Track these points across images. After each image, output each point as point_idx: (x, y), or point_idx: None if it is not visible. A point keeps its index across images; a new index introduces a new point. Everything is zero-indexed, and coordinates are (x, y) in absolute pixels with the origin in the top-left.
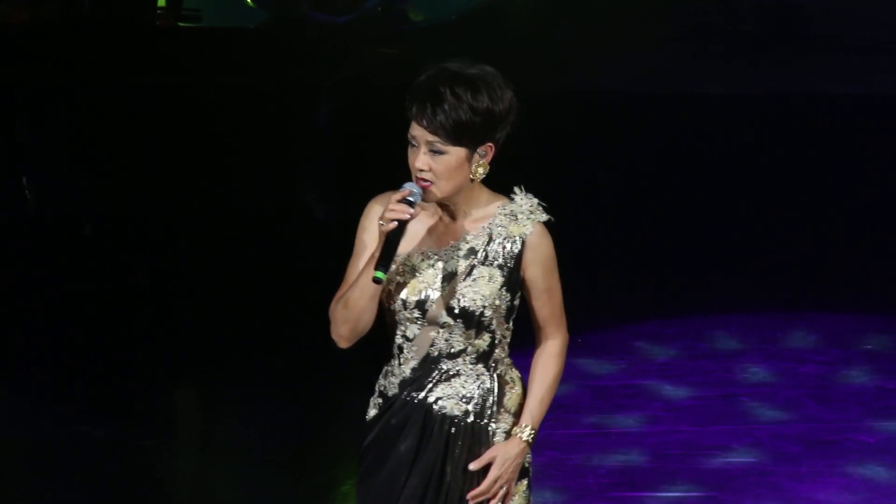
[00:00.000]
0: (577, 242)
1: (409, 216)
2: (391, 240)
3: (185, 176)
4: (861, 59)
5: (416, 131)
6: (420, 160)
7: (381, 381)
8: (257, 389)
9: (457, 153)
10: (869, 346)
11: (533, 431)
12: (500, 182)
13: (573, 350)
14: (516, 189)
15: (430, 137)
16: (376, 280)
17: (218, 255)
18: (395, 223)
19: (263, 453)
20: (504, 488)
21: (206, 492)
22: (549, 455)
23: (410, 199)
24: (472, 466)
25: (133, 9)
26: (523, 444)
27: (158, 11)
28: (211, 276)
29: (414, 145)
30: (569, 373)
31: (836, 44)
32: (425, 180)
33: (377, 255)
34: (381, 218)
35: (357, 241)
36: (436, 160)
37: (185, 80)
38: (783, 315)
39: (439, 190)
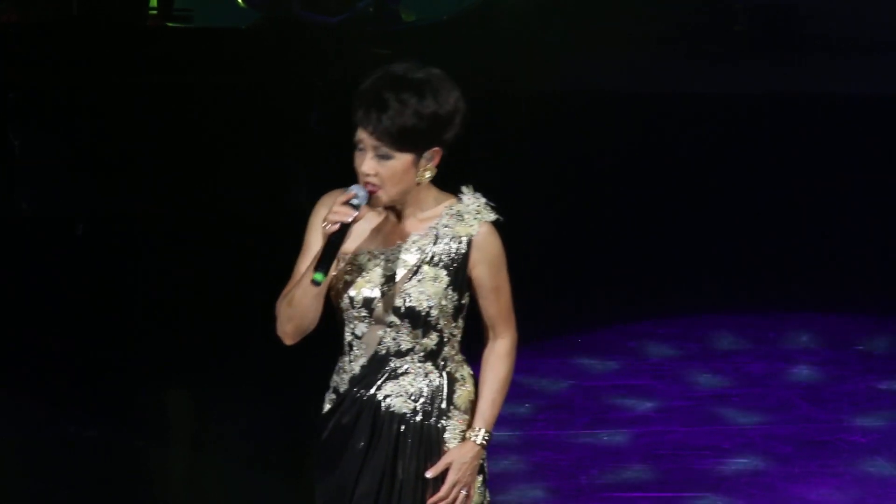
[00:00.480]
0: (570, 242)
1: (351, 219)
2: (333, 242)
3: (177, 175)
4: (856, 59)
5: (363, 136)
6: (367, 165)
7: (334, 377)
8: (250, 389)
9: (403, 158)
10: (861, 347)
11: (487, 434)
12: (493, 181)
13: (568, 350)
14: (464, 188)
15: (376, 143)
16: (315, 282)
17: (209, 255)
18: (338, 225)
19: (256, 453)
20: (464, 492)
21: (199, 492)
22: (541, 455)
23: (355, 201)
24: (429, 474)
25: (123, 9)
26: (478, 448)
27: (151, 12)
28: (203, 276)
29: (361, 149)
30: (561, 373)
31: (831, 44)
32: (373, 184)
33: (318, 256)
34: (325, 219)
35: (305, 238)
36: (382, 165)
37: (177, 81)
38: (775, 315)
39: (386, 194)
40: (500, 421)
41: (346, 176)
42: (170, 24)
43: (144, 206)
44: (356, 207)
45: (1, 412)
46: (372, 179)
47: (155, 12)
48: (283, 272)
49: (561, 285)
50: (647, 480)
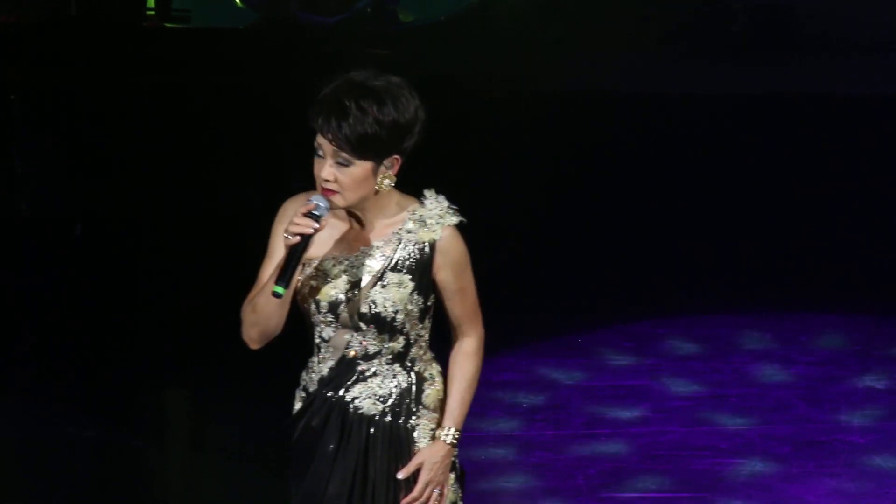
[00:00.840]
0: (567, 242)
1: (312, 231)
2: (294, 253)
3: (177, 176)
4: (856, 59)
5: (322, 142)
6: (326, 171)
7: (304, 375)
8: (248, 389)
9: (363, 166)
10: (859, 347)
11: (456, 432)
12: (492, 181)
13: (568, 350)
14: (426, 192)
15: (336, 150)
16: (276, 295)
17: (209, 255)
18: (299, 238)
19: (254, 453)
20: (437, 491)
21: (197, 492)
22: (539, 455)
23: (316, 213)
24: (400, 475)
25: (121, 10)
26: (448, 447)
27: (149, 13)
28: (202, 276)
29: (320, 156)
30: (560, 373)
31: (831, 44)
32: (331, 190)
33: (279, 268)
34: (286, 231)
35: (270, 242)
36: (342, 172)
37: (175, 81)
38: (773, 315)
39: (344, 199)
40: (498, 421)
41: None
42: (168, 25)
43: (144, 206)
44: (317, 219)
45: (1, 412)
46: (331, 186)
47: (153, 13)
48: None
49: (561, 285)
50: (646, 481)
